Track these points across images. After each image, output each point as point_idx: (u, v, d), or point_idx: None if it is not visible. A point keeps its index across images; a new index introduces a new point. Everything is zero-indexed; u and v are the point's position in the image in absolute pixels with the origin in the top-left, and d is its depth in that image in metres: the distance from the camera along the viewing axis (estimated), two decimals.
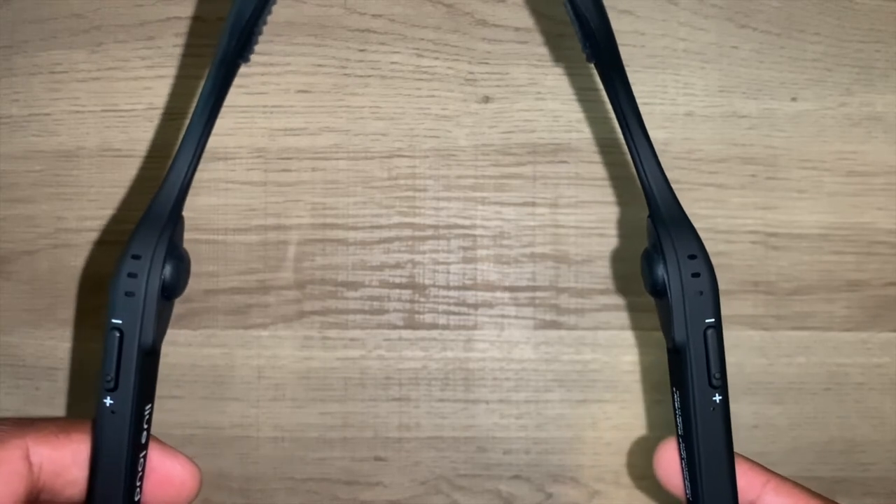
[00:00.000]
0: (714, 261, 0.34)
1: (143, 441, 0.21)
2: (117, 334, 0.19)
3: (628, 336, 0.34)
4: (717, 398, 0.20)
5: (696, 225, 0.35)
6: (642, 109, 0.35)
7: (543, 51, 0.35)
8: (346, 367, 0.34)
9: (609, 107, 0.35)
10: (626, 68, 0.35)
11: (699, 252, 0.21)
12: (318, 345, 0.34)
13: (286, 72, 0.35)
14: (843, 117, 0.35)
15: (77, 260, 0.35)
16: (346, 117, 0.35)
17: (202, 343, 0.34)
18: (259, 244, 0.34)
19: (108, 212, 0.35)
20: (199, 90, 0.22)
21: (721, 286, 0.34)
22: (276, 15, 0.35)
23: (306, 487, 0.34)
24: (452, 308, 0.34)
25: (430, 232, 0.35)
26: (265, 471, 0.34)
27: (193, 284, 0.34)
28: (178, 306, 0.34)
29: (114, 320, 0.19)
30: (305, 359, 0.34)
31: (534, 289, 0.34)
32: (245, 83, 0.35)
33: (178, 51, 0.35)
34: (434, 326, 0.34)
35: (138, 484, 0.21)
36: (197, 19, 0.35)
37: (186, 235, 0.35)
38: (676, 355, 0.21)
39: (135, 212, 0.35)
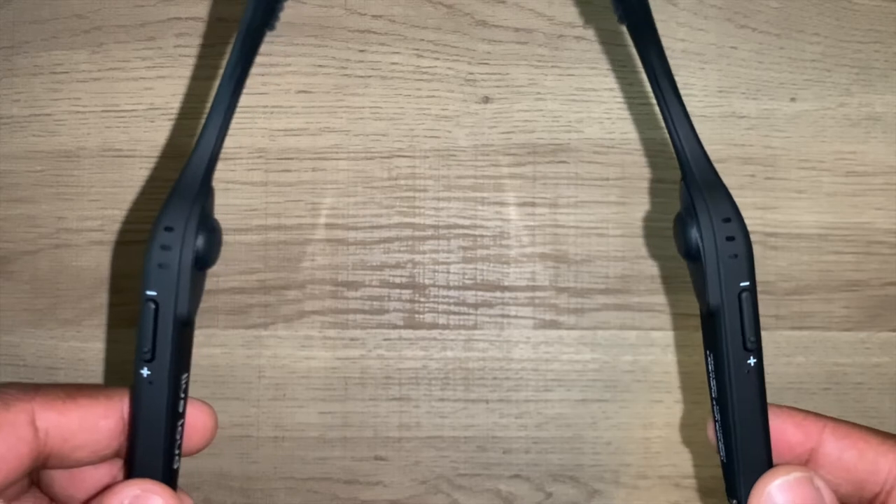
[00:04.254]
0: None
1: (181, 410, 0.21)
2: (153, 306, 0.19)
3: (628, 336, 0.34)
4: (752, 361, 0.20)
5: None
6: (643, 110, 0.35)
7: (543, 51, 0.35)
8: (346, 367, 0.34)
9: (608, 107, 0.35)
10: (624, 69, 0.35)
11: (733, 215, 0.21)
12: (318, 344, 0.34)
13: (286, 72, 0.35)
14: (842, 117, 0.35)
15: (78, 260, 0.35)
16: (347, 118, 0.35)
17: (203, 343, 0.34)
18: (260, 244, 0.34)
19: (109, 212, 0.35)
20: (226, 58, 0.22)
21: None
22: None
23: (306, 487, 0.34)
24: (452, 308, 0.35)
25: (430, 232, 0.35)
26: (265, 470, 0.34)
27: None
28: None
29: (148, 292, 0.19)
30: (306, 358, 0.34)
31: (533, 289, 0.35)
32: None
33: (179, 51, 0.35)
34: (434, 326, 0.34)
35: (176, 452, 0.21)
36: (197, 20, 0.35)
37: None
38: (710, 319, 0.21)
39: (136, 212, 0.35)
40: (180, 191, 0.20)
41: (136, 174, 0.35)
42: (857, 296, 0.34)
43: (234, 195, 0.35)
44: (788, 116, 0.35)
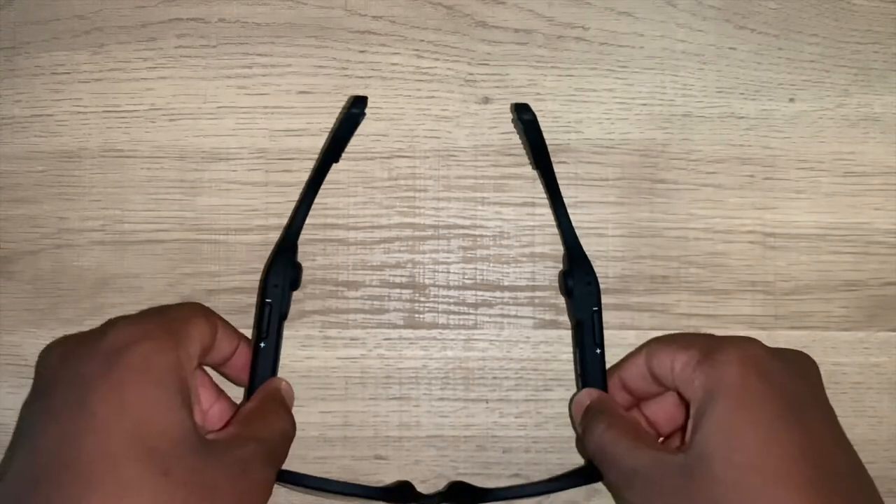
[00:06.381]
0: (712, 261, 0.35)
1: (277, 367, 0.32)
2: (269, 308, 0.32)
3: (627, 335, 0.34)
4: (598, 351, 0.32)
5: (694, 225, 0.36)
6: (642, 110, 0.35)
7: (543, 52, 0.35)
8: (346, 367, 0.34)
9: (607, 107, 0.35)
10: (625, 69, 0.35)
11: (591, 273, 0.33)
12: (318, 344, 0.35)
13: (287, 73, 0.35)
14: (840, 118, 0.35)
15: (79, 260, 0.35)
16: None
17: None
18: (260, 244, 0.35)
19: (110, 212, 0.35)
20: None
21: (719, 286, 0.35)
22: (277, 16, 0.35)
23: None
24: (452, 308, 0.35)
25: (430, 232, 0.35)
26: None
27: (195, 284, 0.35)
28: None
29: (267, 300, 0.32)
30: (306, 358, 0.35)
31: (533, 288, 0.35)
32: (246, 84, 0.35)
33: (180, 52, 0.35)
34: (434, 326, 0.35)
35: None
36: (198, 21, 0.35)
37: (188, 235, 0.35)
38: (578, 327, 0.33)
39: (137, 212, 0.35)
40: (282, 247, 0.33)
41: (138, 174, 0.35)
42: (855, 295, 0.35)
43: (235, 195, 0.35)
44: (787, 117, 0.35)
